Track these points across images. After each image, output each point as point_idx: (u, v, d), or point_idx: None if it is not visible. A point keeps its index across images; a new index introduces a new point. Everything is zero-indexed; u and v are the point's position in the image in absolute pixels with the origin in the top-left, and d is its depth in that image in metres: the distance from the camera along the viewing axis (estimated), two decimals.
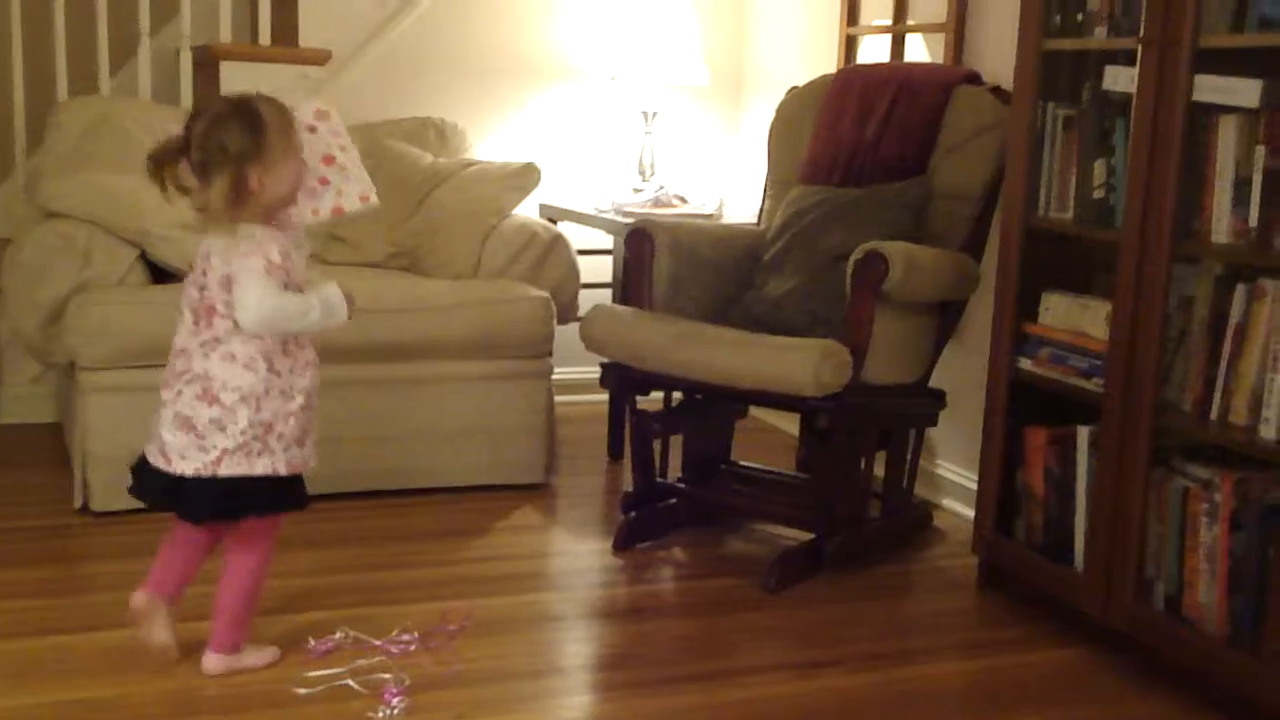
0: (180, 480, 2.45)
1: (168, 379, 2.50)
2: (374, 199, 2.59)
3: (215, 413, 2.42)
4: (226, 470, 2.43)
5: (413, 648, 2.71)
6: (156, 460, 2.48)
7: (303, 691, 2.51)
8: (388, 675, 2.58)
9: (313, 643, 2.70)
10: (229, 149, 2.35)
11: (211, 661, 2.56)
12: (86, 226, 3.55)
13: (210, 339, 2.44)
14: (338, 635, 2.74)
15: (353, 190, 2.55)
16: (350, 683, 2.54)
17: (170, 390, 2.48)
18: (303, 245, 2.53)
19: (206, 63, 4.45)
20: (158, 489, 2.50)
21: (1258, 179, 2.46)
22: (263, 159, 2.37)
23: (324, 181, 2.53)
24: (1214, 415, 2.55)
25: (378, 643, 2.72)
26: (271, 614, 2.84)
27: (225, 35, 4.44)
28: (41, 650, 2.66)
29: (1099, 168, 2.86)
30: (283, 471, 2.48)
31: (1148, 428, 2.65)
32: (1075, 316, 2.92)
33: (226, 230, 2.38)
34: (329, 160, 2.53)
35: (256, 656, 2.60)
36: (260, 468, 2.45)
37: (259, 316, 2.38)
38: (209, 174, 2.36)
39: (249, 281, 2.37)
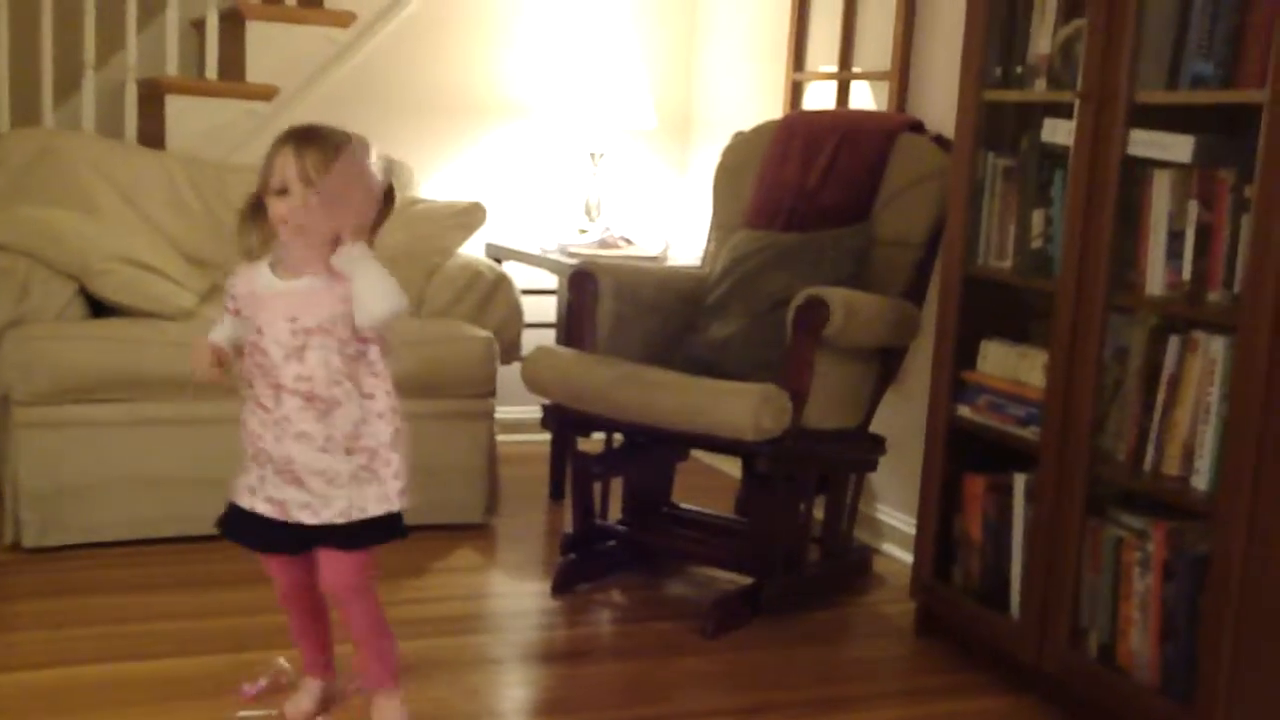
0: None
1: None
2: None
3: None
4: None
5: (351, 689, 2.68)
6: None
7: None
8: (321, 718, 2.55)
9: (246, 686, 2.66)
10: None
11: (383, 710, 2.50)
12: (25, 259, 3.51)
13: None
14: (270, 674, 2.70)
15: None
16: None
17: None
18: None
19: (152, 96, 4.42)
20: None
21: (1190, 233, 2.50)
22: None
23: None
24: (1147, 465, 2.58)
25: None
26: (205, 654, 2.80)
27: (172, 69, 4.42)
28: None
29: (1038, 218, 2.90)
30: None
31: (1083, 477, 2.67)
32: (1013, 365, 2.94)
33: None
34: None
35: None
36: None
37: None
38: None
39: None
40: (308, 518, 2.33)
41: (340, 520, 2.33)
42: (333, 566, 2.38)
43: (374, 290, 2.25)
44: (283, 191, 2.25)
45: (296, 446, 2.30)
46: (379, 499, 2.36)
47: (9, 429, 3.41)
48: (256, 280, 2.34)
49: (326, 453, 2.30)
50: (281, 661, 2.72)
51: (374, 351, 2.33)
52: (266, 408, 2.32)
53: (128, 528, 3.46)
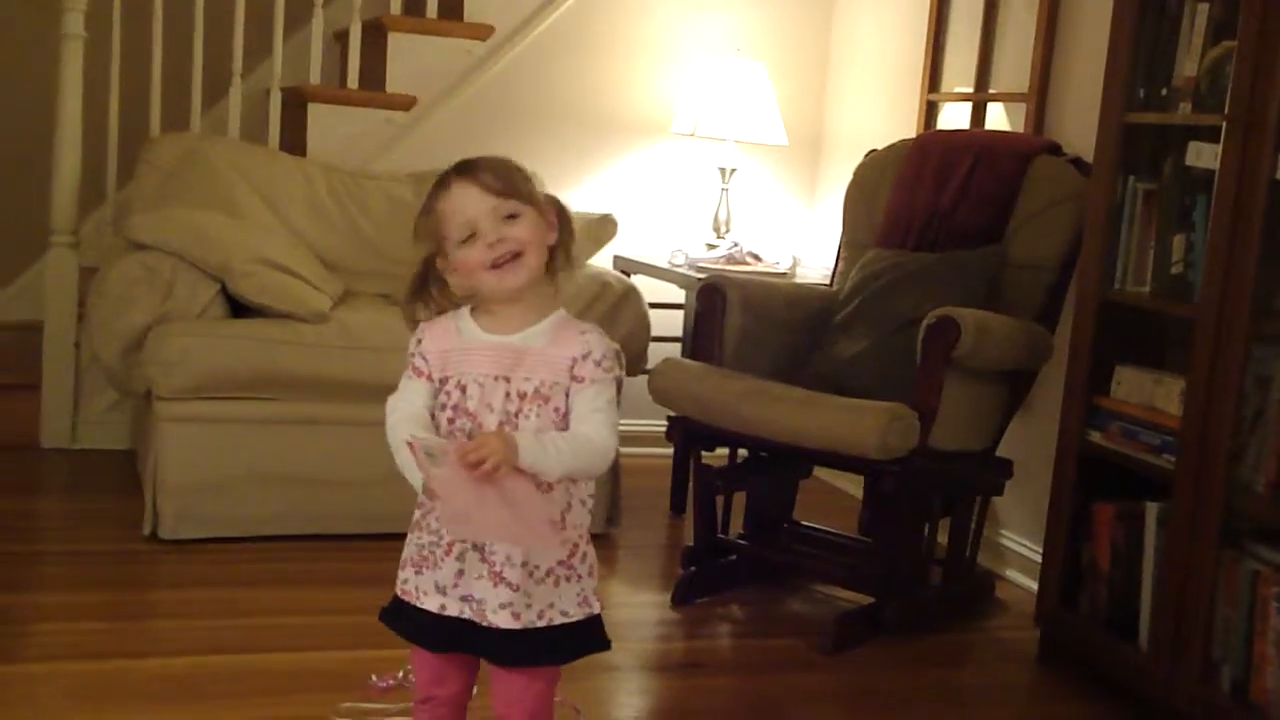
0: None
1: None
2: None
3: None
4: None
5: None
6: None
7: None
8: None
9: (374, 678, 2.71)
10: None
11: None
12: (170, 259, 3.62)
13: None
14: (400, 674, 2.74)
15: None
16: None
17: None
18: None
19: (295, 104, 4.54)
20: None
21: None
22: None
23: None
24: None
25: None
26: (331, 649, 2.86)
27: (315, 78, 4.54)
28: (102, 673, 2.70)
29: (1178, 243, 2.84)
30: None
31: (1219, 507, 2.61)
32: (1148, 391, 2.89)
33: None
34: None
35: None
36: None
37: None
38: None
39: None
40: (504, 621, 1.88)
41: (541, 624, 1.91)
42: (516, 684, 1.96)
43: (575, 448, 1.85)
44: (471, 236, 1.88)
45: None
46: (579, 600, 1.95)
47: (151, 423, 3.53)
48: (456, 333, 1.94)
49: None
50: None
51: None
52: None
53: (260, 523, 3.55)
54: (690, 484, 3.68)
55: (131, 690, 2.63)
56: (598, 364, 1.90)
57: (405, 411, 1.92)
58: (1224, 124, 2.62)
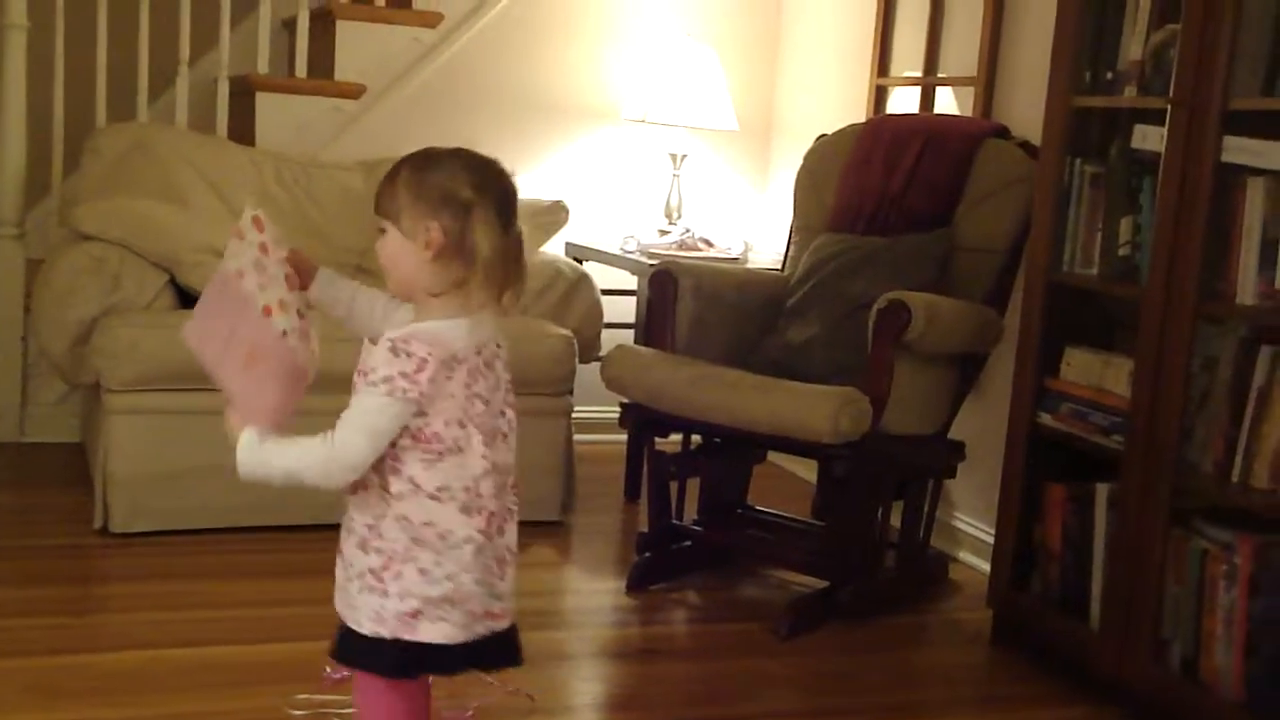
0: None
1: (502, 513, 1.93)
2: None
3: None
4: None
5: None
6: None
7: (298, 714, 2.51)
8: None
9: (328, 670, 2.69)
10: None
11: None
12: (118, 250, 3.58)
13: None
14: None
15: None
16: (336, 713, 2.52)
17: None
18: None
19: (243, 92, 4.50)
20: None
21: None
22: None
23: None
24: (1235, 477, 2.54)
25: None
26: (286, 640, 2.85)
27: (263, 66, 4.50)
28: (53, 669, 2.67)
29: (1125, 225, 2.87)
30: None
31: (1167, 487, 2.64)
32: (1097, 373, 2.91)
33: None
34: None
35: None
36: None
37: None
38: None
39: None
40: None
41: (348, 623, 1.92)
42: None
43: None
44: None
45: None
46: (372, 616, 1.87)
47: (100, 415, 3.49)
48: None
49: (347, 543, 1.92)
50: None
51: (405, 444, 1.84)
52: None
53: (212, 515, 3.52)
54: (644, 470, 3.69)
55: (86, 685, 2.60)
56: (364, 375, 1.82)
57: None
58: (1169, 107, 2.64)
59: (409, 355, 1.79)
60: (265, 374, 1.85)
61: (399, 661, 1.87)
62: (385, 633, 1.86)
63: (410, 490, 1.84)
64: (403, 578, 1.85)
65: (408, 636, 1.85)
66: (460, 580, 1.86)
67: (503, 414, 1.93)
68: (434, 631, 1.85)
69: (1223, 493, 2.57)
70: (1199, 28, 2.57)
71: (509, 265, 1.89)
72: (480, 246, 1.85)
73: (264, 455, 1.84)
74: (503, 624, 1.93)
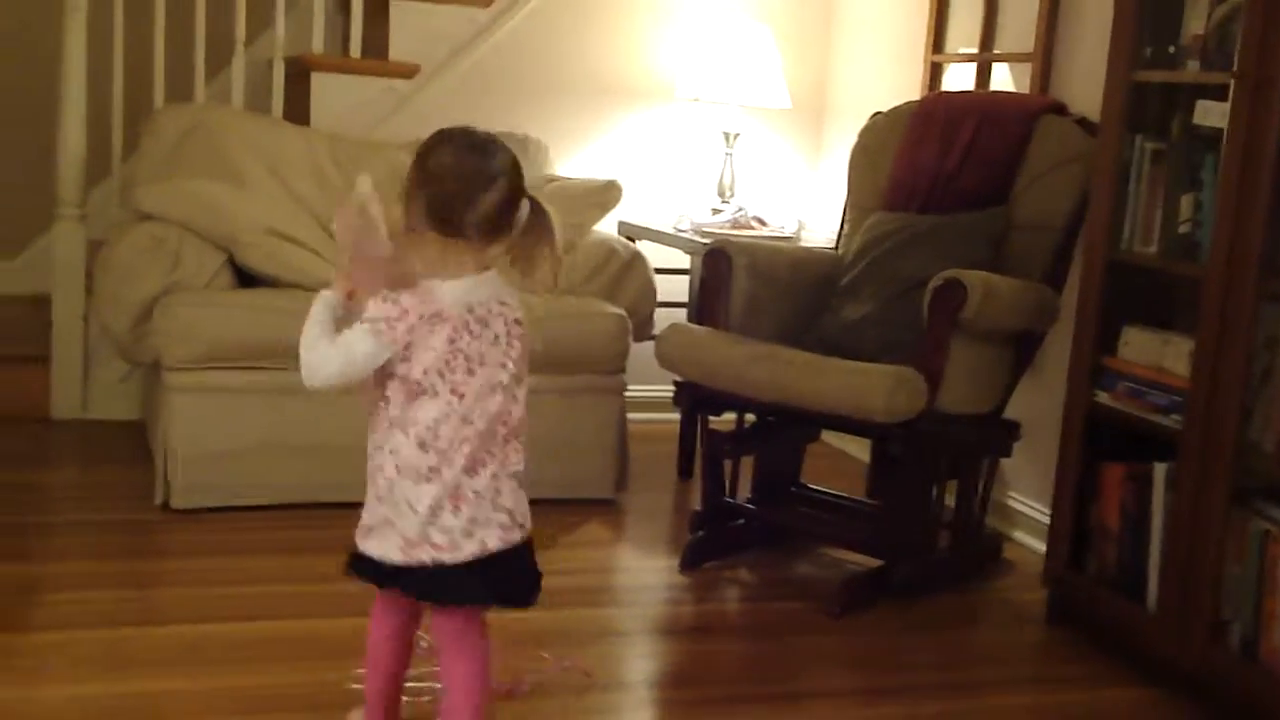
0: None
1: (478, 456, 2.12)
2: None
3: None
4: None
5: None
6: (511, 535, 2.20)
7: (357, 688, 2.52)
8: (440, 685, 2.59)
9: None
10: None
11: None
12: (177, 230, 3.62)
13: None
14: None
15: None
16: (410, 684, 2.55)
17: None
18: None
19: (298, 73, 4.53)
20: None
21: None
22: None
23: None
24: None
25: None
26: (340, 616, 2.87)
27: (318, 46, 4.52)
28: (115, 641, 2.72)
29: (1186, 202, 2.83)
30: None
31: (1227, 467, 2.61)
32: (1156, 352, 2.88)
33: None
34: None
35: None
36: None
37: None
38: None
39: None
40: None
41: None
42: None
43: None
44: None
45: None
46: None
47: (160, 393, 3.54)
48: None
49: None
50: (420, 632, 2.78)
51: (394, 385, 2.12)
52: None
53: (270, 492, 3.55)
54: (697, 449, 3.69)
55: (144, 658, 2.65)
56: (361, 321, 2.08)
57: None
58: (1232, 82, 2.60)
59: (394, 304, 2.05)
60: (376, 268, 2.13)
61: (357, 567, 2.20)
62: (359, 540, 2.18)
63: (387, 424, 2.13)
64: (369, 494, 2.17)
65: (360, 547, 2.18)
66: (400, 507, 2.10)
67: (503, 366, 2.11)
68: (372, 546, 2.16)
69: None
70: (1264, 1, 2.53)
71: (484, 233, 2.07)
72: (428, 223, 2.07)
73: (312, 312, 2.14)
74: (446, 556, 2.10)
